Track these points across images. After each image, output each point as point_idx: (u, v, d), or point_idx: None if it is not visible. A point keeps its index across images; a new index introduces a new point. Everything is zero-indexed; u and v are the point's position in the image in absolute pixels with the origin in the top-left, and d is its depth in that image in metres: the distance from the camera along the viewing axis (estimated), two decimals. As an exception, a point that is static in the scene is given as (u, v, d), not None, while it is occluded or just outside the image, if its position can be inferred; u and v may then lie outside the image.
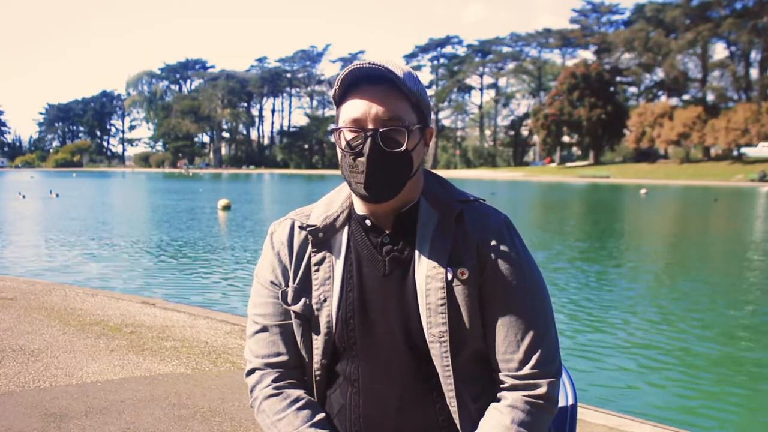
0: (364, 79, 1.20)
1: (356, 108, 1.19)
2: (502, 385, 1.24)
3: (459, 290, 1.22)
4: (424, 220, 1.26)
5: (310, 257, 1.30)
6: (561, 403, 1.44)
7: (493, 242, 1.24)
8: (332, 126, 1.26)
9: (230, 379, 3.85)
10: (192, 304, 7.07)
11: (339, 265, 1.28)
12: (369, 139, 1.17)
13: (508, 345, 1.22)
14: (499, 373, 1.24)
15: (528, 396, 1.21)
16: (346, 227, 1.30)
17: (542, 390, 1.21)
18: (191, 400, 3.43)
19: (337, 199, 1.34)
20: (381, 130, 1.18)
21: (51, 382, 3.65)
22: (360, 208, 1.29)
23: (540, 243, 14.17)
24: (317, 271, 1.29)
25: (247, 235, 15.70)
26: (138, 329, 4.97)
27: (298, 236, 1.32)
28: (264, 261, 1.36)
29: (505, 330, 1.22)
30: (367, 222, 1.28)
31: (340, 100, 1.23)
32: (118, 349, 4.39)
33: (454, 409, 1.21)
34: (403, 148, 1.19)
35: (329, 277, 1.28)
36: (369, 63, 1.17)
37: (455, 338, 1.21)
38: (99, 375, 3.80)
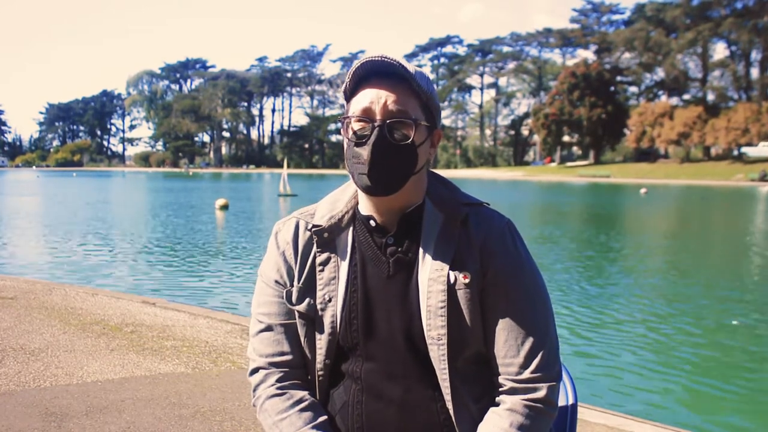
0: (376, 74, 1.19)
1: (366, 98, 1.19)
2: (501, 389, 1.23)
3: (461, 294, 1.21)
4: (429, 221, 1.25)
5: (315, 257, 1.29)
6: (561, 403, 1.43)
7: (496, 246, 1.24)
8: (342, 117, 1.25)
9: (231, 378, 3.84)
10: (192, 304, 7.06)
11: (344, 265, 1.27)
12: (376, 129, 1.17)
13: (509, 349, 1.22)
14: (499, 377, 1.23)
15: (527, 400, 1.20)
16: (351, 227, 1.30)
17: (542, 393, 1.20)
18: (191, 400, 3.43)
19: (341, 198, 1.33)
20: (388, 121, 1.17)
21: (51, 381, 3.65)
22: (365, 208, 1.29)
23: (540, 242, 14.17)
24: (322, 271, 1.28)
25: (245, 235, 15.71)
26: (138, 329, 4.97)
27: (303, 236, 1.32)
28: (269, 260, 1.35)
29: (505, 334, 1.22)
30: (372, 222, 1.27)
31: (350, 93, 1.22)
32: (118, 348, 4.38)
33: (451, 411, 1.21)
34: (410, 140, 1.18)
35: (334, 278, 1.27)
36: (381, 57, 1.16)
37: (455, 341, 1.21)
38: (99, 374, 3.79)
